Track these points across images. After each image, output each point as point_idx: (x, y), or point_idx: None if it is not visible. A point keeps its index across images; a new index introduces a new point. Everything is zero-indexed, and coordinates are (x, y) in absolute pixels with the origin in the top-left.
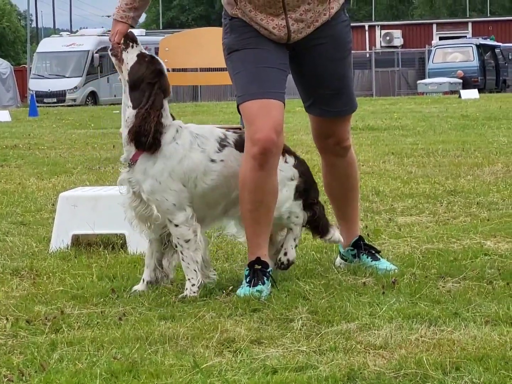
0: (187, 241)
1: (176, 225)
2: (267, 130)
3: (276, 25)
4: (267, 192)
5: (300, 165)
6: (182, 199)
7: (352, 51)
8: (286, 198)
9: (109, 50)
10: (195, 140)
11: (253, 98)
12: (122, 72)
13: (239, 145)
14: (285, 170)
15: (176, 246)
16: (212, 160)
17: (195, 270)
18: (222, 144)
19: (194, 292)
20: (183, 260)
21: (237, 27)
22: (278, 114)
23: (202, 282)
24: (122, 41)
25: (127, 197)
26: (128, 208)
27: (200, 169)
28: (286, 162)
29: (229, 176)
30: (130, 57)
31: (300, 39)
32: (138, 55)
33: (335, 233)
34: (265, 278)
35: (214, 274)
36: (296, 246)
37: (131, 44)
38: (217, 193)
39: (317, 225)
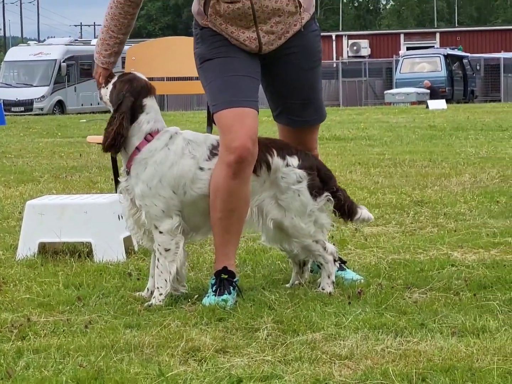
0: (166, 250)
1: (161, 232)
2: (243, 139)
3: (247, 37)
4: (239, 200)
5: (305, 161)
6: (170, 206)
7: None
8: (306, 203)
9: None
10: (187, 146)
11: (227, 107)
12: (107, 104)
13: None
14: (288, 175)
15: (156, 252)
16: (201, 168)
17: (165, 280)
18: (213, 152)
19: (160, 301)
20: (157, 267)
21: (208, 37)
22: (252, 122)
23: (169, 292)
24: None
25: (125, 205)
26: (127, 216)
27: (188, 176)
28: (287, 165)
29: None
30: (108, 88)
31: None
32: (113, 83)
33: (363, 211)
34: (231, 288)
35: (184, 288)
36: (333, 282)
37: (109, 80)
38: (207, 202)
39: (343, 210)
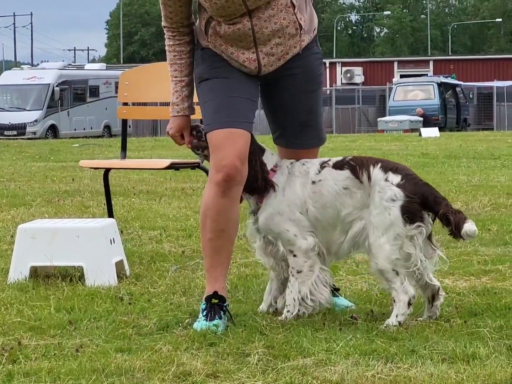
0: (299, 272)
1: (295, 255)
2: (232, 158)
3: (247, 58)
4: (229, 220)
5: (409, 184)
6: (302, 228)
7: None
8: (393, 223)
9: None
10: (302, 167)
11: (220, 127)
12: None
13: (338, 165)
14: (383, 190)
15: (290, 274)
16: (313, 182)
17: (294, 299)
18: (323, 166)
19: (284, 318)
20: (288, 287)
21: (208, 57)
22: (243, 143)
23: (299, 312)
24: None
25: (259, 246)
26: (264, 256)
27: (305, 193)
28: (386, 180)
29: (330, 195)
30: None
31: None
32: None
33: (466, 226)
34: (222, 313)
35: (312, 309)
36: (399, 323)
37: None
38: (328, 214)
39: (452, 229)
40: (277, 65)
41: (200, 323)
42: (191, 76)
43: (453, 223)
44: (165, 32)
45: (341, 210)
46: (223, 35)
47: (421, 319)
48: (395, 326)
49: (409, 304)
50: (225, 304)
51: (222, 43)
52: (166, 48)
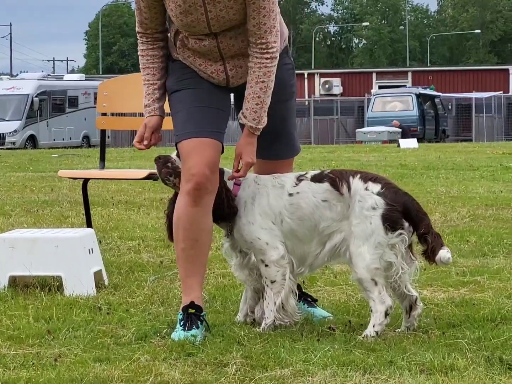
0: (272, 282)
1: (267, 265)
2: (200, 166)
3: (215, 69)
4: (201, 229)
5: (389, 193)
6: (274, 237)
7: None
8: (374, 232)
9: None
10: (275, 180)
11: (188, 137)
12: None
13: (316, 178)
14: (364, 199)
15: (264, 284)
16: (290, 194)
17: (271, 311)
18: (300, 179)
19: (262, 329)
20: (265, 299)
21: (178, 69)
22: (212, 152)
23: (274, 323)
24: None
25: (236, 262)
26: (240, 270)
27: (281, 204)
28: (366, 189)
29: (309, 208)
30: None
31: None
32: None
33: (441, 252)
34: (199, 322)
35: (289, 319)
36: (376, 333)
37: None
38: (305, 227)
39: (428, 254)
40: (246, 78)
41: (178, 333)
42: (163, 80)
43: (429, 246)
44: (138, 38)
45: (319, 222)
46: (190, 48)
47: (399, 330)
48: (373, 337)
49: (386, 314)
50: (202, 314)
51: (190, 55)
52: (139, 53)
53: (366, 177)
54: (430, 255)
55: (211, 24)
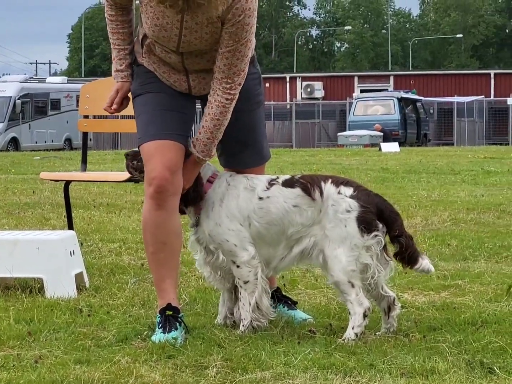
0: (245, 282)
1: (238, 266)
2: (161, 169)
3: (178, 79)
4: (169, 232)
5: (362, 195)
6: (242, 239)
7: (273, 102)
8: (350, 235)
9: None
10: (247, 182)
11: (149, 139)
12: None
13: (288, 183)
14: (337, 203)
15: (237, 284)
16: (260, 198)
17: (247, 311)
18: (271, 183)
19: (242, 332)
20: (240, 300)
21: (142, 73)
22: (173, 154)
23: (252, 324)
24: None
25: (200, 257)
26: (203, 266)
27: (250, 207)
28: (339, 193)
29: (279, 212)
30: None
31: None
32: None
33: (423, 262)
34: (177, 324)
35: (265, 319)
36: (356, 335)
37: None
38: (272, 231)
39: (404, 256)
40: (208, 89)
41: (158, 336)
42: (133, 45)
43: (407, 251)
44: (106, 4)
45: (288, 227)
46: (156, 55)
47: (379, 333)
48: (353, 340)
49: (365, 315)
50: (179, 315)
51: (155, 61)
52: (108, 17)
53: (338, 181)
54: (408, 261)
55: (180, 46)
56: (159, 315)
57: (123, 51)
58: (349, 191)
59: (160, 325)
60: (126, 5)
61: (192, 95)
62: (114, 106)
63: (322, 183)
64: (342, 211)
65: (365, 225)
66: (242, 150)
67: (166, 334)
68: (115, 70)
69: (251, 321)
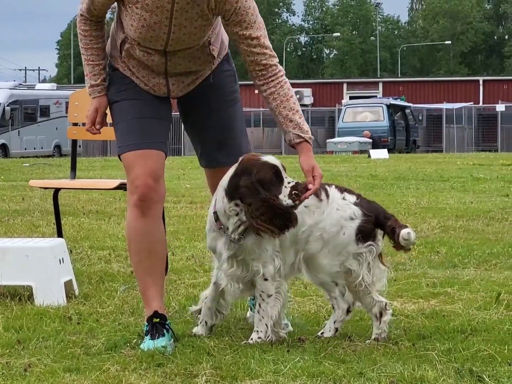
0: (269, 296)
1: (266, 279)
2: (144, 177)
3: (157, 83)
4: (154, 240)
5: (364, 203)
6: (274, 248)
7: (262, 109)
8: (345, 243)
9: None
10: None
11: (130, 149)
12: None
13: None
14: (342, 208)
15: (258, 297)
16: None
17: (266, 325)
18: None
19: (254, 341)
20: (258, 312)
21: (118, 79)
22: (155, 163)
23: (272, 338)
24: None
25: (232, 273)
26: (226, 278)
27: None
28: (344, 199)
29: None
30: None
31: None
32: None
33: (402, 231)
34: (164, 330)
35: (285, 331)
36: (336, 330)
37: None
38: (289, 234)
39: (392, 237)
40: (186, 90)
41: (147, 343)
42: (106, 60)
43: (393, 230)
44: (79, 19)
45: (299, 229)
46: (136, 58)
47: (369, 340)
48: (332, 336)
49: (348, 311)
50: (166, 323)
51: (135, 65)
52: (81, 32)
53: (341, 188)
54: (396, 240)
55: (168, 44)
56: (147, 324)
57: (98, 67)
58: (353, 198)
59: (149, 333)
60: (101, 18)
61: (167, 100)
62: (97, 126)
63: (327, 187)
64: (346, 218)
65: (363, 234)
66: (220, 149)
67: (155, 340)
68: (90, 86)
69: (269, 335)
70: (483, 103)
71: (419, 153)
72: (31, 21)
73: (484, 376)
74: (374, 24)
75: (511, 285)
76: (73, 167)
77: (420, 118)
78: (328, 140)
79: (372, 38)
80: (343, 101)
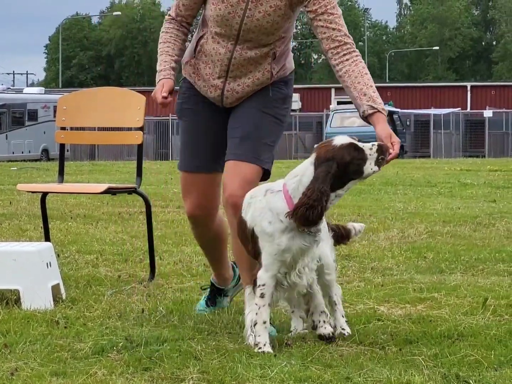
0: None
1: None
2: (189, 209)
3: (214, 85)
4: (209, 239)
5: None
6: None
7: None
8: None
9: None
10: None
11: (182, 170)
12: None
13: None
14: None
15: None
16: None
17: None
18: None
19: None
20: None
21: (185, 89)
22: (200, 189)
23: None
24: None
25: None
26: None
27: None
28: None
29: None
30: None
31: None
32: None
33: (353, 225)
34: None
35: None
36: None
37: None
38: None
39: (339, 234)
40: (238, 102)
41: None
42: (180, 58)
43: (339, 230)
44: (166, 20)
45: None
46: (207, 54)
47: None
48: (348, 326)
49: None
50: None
51: (203, 62)
52: (163, 30)
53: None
54: (346, 235)
55: (243, 23)
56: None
57: (169, 57)
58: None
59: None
60: (186, 21)
61: (221, 114)
62: (164, 94)
63: None
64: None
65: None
66: (241, 142)
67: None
68: (159, 70)
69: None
70: (470, 109)
71: (406, 158)
72: (19, 25)
73: (471, 381)
74: (362, 29)
75: (498, 290)
76: (61, 171)
77: (408, 123)
78: (316, 145)
79: (360, 43)
80: (331, 106)
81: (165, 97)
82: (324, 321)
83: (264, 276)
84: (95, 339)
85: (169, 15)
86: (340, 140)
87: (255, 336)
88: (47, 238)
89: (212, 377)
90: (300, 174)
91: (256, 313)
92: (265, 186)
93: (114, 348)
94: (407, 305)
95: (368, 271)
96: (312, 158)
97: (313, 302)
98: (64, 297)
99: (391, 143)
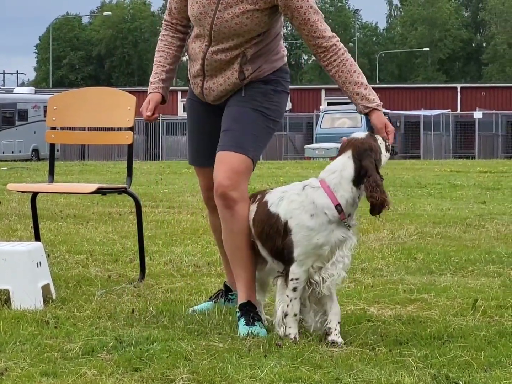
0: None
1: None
2: (202, 190)
3: (197, 82)
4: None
5: None
6: None
7: None
8: None
9: None
10: None
11: (190, 164)
12: None
13: None
14: None
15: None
16: None
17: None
18: None
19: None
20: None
21: (190, 89)
22: (207, 179)
23: None
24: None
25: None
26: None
27: None
28: None
29: None
30: None
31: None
32: None
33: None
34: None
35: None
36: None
37: None
38: None
39: None
40: (220, 100)
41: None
42: (173, 66)
43: None
44: (163, 25)
45: None
46: (190, 52)
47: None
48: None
49: None
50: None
51: (189, 68)
52: (160, 37)
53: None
54: None
55: (214, 23)
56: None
57: (161, 68)
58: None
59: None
60: (181, 24)
61: (213, 110)
62: (148, 113)
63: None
64: None
65: None
66: (223, 135)
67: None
68: (150, 82)
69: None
70: (460, 110)
71: (396, 159)
72: (10, 25)
73: (461, 382)
74: (352, 30)
75: (488, 291)
76: (51, 171)
77: (398, 124)
78: (306, 146)
79: (350, 44)
80: (321, 107)
81: (149, 116)
82: (339, 331)
83: (297, 270)
84: (85, 339)
85: (165, 19)
86: (361, 134)
87: (285, 327)
88: (37, 238)
89: (202, 377)
90: (339, 169)
91: (288, 305)
92: (299, 183)
93: (104, 348)
94: (397, 306)
95: (358, 272)
96: (348, 153)
97: (333, 310)
98: (54, 297)
99: (386, 133)
